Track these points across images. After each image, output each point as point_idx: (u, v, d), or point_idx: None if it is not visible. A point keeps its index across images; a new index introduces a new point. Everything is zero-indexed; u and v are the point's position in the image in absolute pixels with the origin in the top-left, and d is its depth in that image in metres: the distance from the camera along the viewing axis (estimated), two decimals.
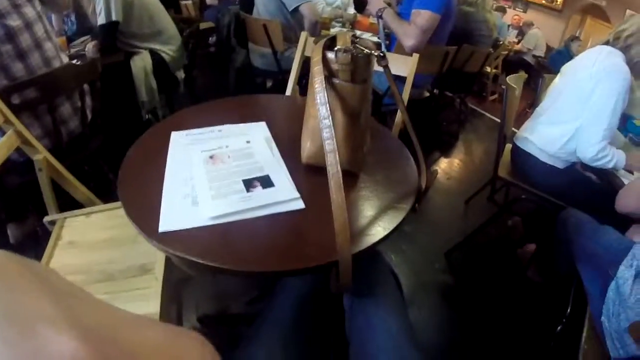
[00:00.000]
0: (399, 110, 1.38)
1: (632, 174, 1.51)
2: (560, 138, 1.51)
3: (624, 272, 0.96)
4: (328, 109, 0.58)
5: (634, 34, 1.38)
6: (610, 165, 1.42)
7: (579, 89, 1.44)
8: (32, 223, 1.66)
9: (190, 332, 0.28)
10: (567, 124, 1.49)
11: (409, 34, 1.98)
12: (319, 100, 0.59)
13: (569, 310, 1.36)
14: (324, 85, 0.60)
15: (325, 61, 0.66)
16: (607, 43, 1.45)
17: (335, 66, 0.66)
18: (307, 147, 0.75)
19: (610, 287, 0.99)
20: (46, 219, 1.12)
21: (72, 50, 2.03)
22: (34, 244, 1.54)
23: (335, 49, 0.64)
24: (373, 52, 0.67)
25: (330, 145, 0.56)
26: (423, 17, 1.93)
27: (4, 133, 1.04)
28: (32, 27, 1.29)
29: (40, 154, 1.10)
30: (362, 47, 0.67)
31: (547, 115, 1.59)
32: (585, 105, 1.42)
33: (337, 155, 0.56)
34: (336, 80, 0.67)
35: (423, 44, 1.98)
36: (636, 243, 1.03)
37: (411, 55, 1.46)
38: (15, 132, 1.04)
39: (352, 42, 0.69)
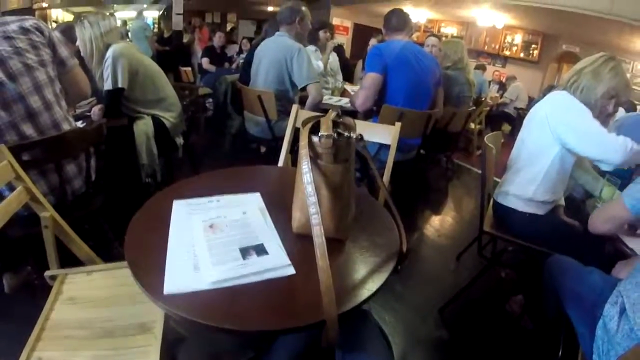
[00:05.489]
0: (384, 177, 1.49)
1: None
2: (535, 179, 1.60)
3: (610, 309, 0.99)
4: (314, 187, 0.68)
5: (573, 74, 1.55)
6: None
7: (538, 129, 1.57)
8: (28, 274, 1.67)
9: None
10: (536, 165, 1.60)
11: (356, 95, 2.33)
12: (305, 180, 0.68)
13: (560, 353, 1.38)
14: (310, 167, 0.70)
15: (311, 144, 0.76)
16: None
17: (319, 149, 0.76)
18: (297, 218, 0.84)
19: (598, 325, 1.00)
20: (47, 273, 1.16)
21: (78, 111, 2.14)
22: (30, 295, 1.54)
23: (319, 134, 0.75)
24: (352, 135, 0.78)
25: (316, 219, 0.65)
26: (365, 78, 2.28)
27: (10, 188, 1.09)
28: (42, 91, 1.37)
29: (47, 212, 1.14)
30: (342, 131, 0.78)
31: (518, 164, 1.69)
32: (551, 147, 1.54)
33: (322, 228, 0.65)
34: (320, 162, 0.77)
35: (368, 99, 2.25)
36: (620, 280, 1.05)
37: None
38: (25, 189, 1.09)
39: (335, 124, 0.81)
